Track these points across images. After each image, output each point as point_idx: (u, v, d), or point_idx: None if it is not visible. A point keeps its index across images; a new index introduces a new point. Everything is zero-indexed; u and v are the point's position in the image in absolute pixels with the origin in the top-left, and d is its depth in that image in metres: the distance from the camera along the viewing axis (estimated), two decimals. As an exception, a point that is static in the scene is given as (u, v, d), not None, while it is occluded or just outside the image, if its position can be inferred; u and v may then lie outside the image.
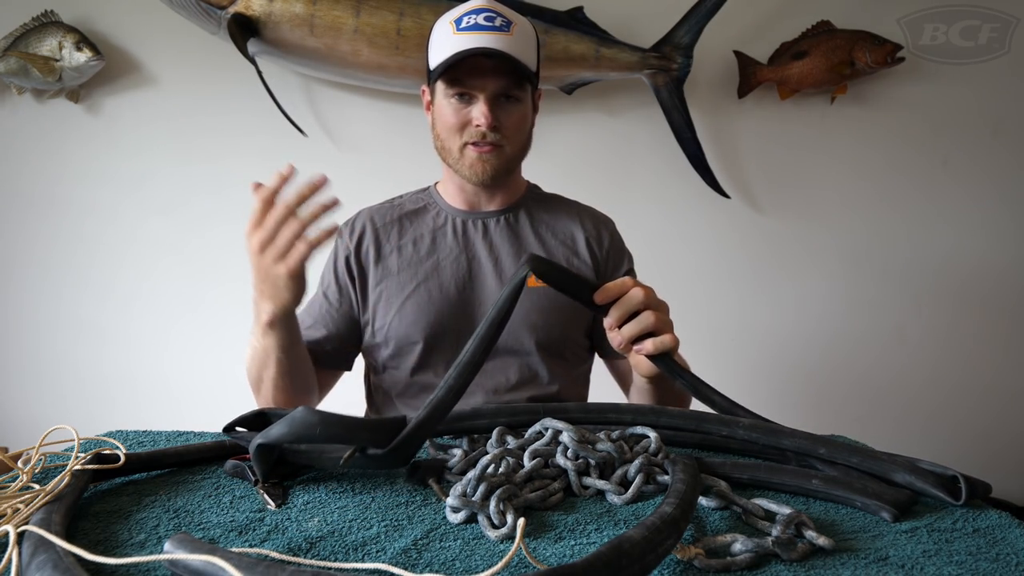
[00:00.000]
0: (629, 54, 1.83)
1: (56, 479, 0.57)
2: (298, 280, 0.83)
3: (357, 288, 1.09)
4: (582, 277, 0.78)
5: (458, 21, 0.98)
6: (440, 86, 1.01)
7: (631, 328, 0.75)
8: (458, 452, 0.70)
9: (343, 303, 1.09)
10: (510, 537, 0.53)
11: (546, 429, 0.69)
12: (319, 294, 1.11)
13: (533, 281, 1.06)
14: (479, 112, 0.99)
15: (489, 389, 1.04)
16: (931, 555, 0.51)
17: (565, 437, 0.66)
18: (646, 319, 0.74)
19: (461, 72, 0.97)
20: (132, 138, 1.92)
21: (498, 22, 0.98)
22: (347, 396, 1.32)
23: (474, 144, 1.01)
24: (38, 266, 1.95)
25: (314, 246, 0.80)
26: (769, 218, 1.99)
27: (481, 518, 0.56)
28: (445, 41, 0.98)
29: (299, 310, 1.09)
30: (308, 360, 1.01)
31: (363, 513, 0.58)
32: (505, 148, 1.03)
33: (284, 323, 0.89)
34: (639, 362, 0.82)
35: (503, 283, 1.06)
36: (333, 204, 0.81)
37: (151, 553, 0.50)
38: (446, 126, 1.02)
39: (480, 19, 0.97)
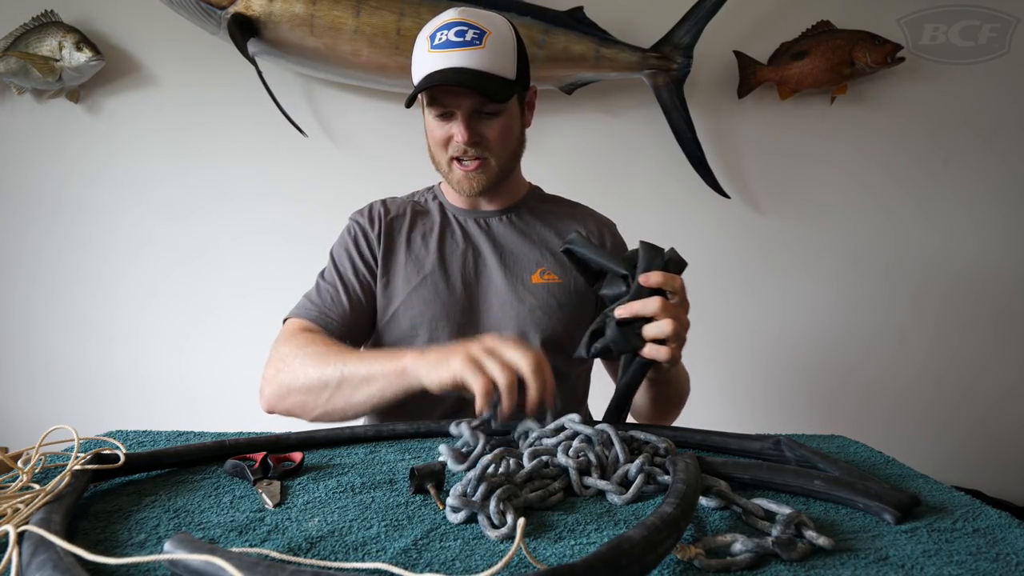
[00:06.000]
0: (629, 54, 1.83)
1: (56, 479, 0.57)
2: (447, 389, 0.77)
3: (375, 267, 1.09)
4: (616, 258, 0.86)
5: (432, 37, 0.97)
6: (423, 102, 1.02)
7: (654, 329, 0.80)
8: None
9: (370, 279, 1.08)
10: (510, 537, 0.53)
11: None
12: (349, 269, 1.08)
13: (537, 277, 1.07)
14: (456, 129, 0.99)
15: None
16: (931, 555, 0.51)
17: (575, 428, 0.66)
18: (668, 327, 0.80)
19: (436, 92, 0.97)
20: (132, 138, 1.92)
21: (469, 35, 0.95)
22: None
23: (459, 160, 1.03)
24: (36, 265, 1.95)
25: (485, 403, 0.73)
26: (769, 218, 1.99)
27: (481, 518, 0.56)
28: (421, 58, 0.98)
29: (310, 293, 1.08)
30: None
31: (363, 513, 0.58)
32: (490, 161, 1.03)
33: (403, 384, 0.85)
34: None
35: (509, 280, 1.07)
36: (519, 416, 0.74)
37: (151, 553, 0.50)
38: (432, 141, 1.04)
39: (451, 35, 0.95)
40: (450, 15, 0.98)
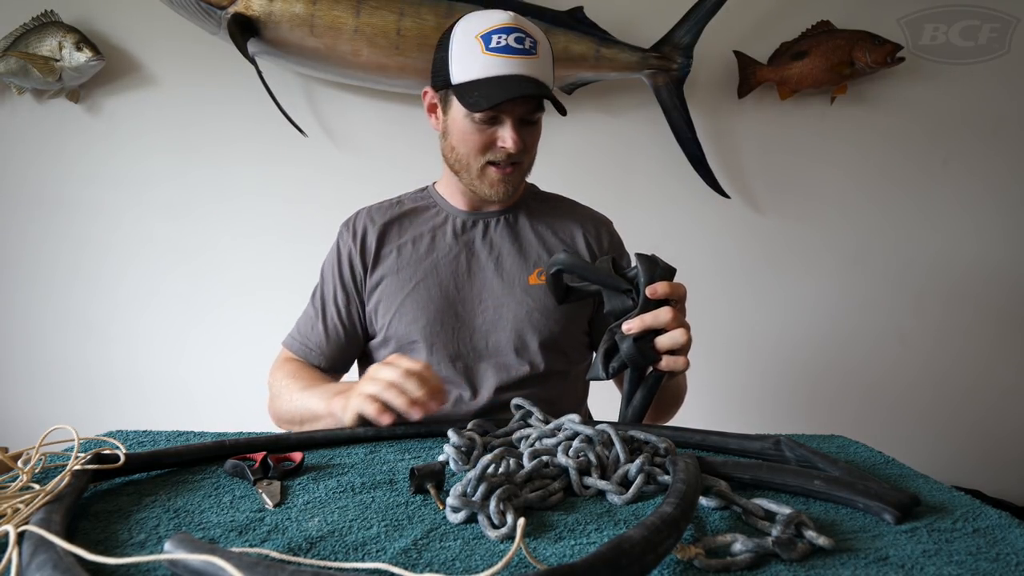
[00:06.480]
0: (629, 54, 1.83)
1: (56, 479, 0.57)
2: (355, 420, 0.85)
3: (360, 287, 1.09)
4: (613, 272, 0.86)
5: (486, 39, 0.94)
6: (453, 100, 0.99)
7: (668, 341, 0.82)
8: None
9: (350, 305, 1.09)
10: (510, 537, 0.53)
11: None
12: (330, 295, 1.10)
13: (535, 279, 1.07)
14: (507, 135, 0.97)
15: (493, 387, 1.04)
16: (931, 555, 0.51)
17: (573, 427, 0.66)
18: (682, 337, 0.82)
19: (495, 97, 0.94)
20: (132, 138, 1.92)
21: (527, 44, 0.95)
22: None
23: (496, 165, 1.01)
24: (36, 265, 1.95)
25: (384, 419, 0.82)
26: (769, 218, 1.99)
27: (481, 518, 0.56)
28: (473, 59, 0.95)
29: (300, 317, 1.14)
30: None
31: (363, 513, 0.58)
32: (524, 164, 1.04)
33: (337, 423, 0.91)
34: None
35: (505, 281, 1.06)
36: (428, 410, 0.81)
37: (151, 553, 0.50)
38: (467, 144, 1.01)
39: (511, 40, 0.94)
40: (502, 18, 0.95)
